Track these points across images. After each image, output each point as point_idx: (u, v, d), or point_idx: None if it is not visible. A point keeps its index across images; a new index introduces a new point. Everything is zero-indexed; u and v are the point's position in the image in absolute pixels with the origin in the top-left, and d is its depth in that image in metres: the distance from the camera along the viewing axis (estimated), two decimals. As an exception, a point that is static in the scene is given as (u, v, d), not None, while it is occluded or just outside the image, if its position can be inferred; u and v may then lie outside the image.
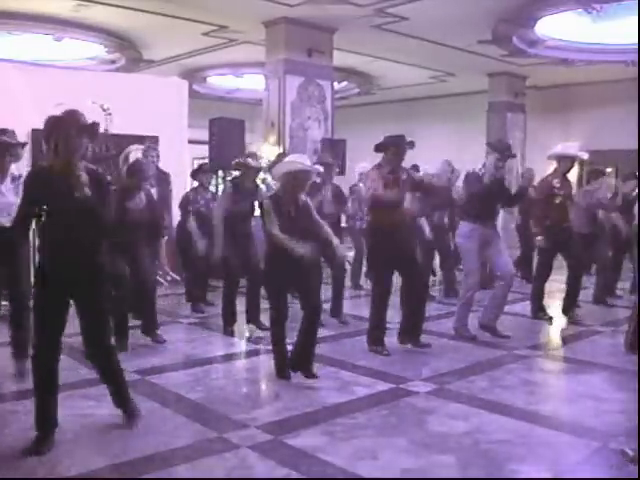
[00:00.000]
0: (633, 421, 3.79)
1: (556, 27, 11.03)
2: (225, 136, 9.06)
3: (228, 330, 6.11)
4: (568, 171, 6.63)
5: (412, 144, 5.29)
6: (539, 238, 6.52)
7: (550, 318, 6.78)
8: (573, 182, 7.31)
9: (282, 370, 4.63)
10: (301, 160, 4.66)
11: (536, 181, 9.52)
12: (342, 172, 10.63)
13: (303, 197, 4.65)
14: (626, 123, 12.79)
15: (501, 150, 5.97)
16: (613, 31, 11.00)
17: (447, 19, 10.17)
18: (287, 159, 4.80)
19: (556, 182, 6.47)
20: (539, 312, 6.86)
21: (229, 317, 6.17)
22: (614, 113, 14.06)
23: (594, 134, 13.63)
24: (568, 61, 12.59)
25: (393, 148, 5.28)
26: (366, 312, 7.17)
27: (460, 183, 8.28)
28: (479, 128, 14.67)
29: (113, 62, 13.21)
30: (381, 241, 5.28)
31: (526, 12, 9.93)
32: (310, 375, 4.58)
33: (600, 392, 4.55)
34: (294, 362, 4.62)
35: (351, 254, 8.92)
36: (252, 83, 15.34)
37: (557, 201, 6.47)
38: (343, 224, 8.34)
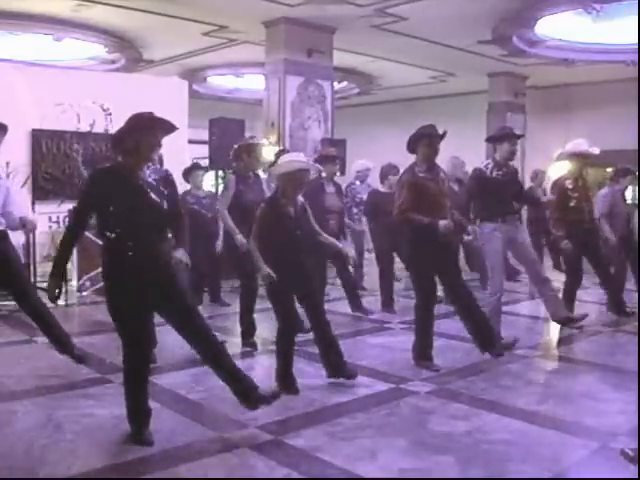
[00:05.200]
0: (633, 421, 3.79)
1: (556, 27, 11.02)
2: (225, 136, 9.07)
3: (248, 342, 5.61)
4: (582, 170, 6.43)
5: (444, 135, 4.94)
6: (565, 242, 6.23)
7: (580, 326, 6.38)
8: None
9: (292, 385, 4.42)
10: (297, 158, 4.53)
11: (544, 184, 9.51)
12: (342, 172, 10.64)
13: (300, 199, 4.54)
14: (626, 123, 12.78)
15: (508, 135, 5.71)
16: (613, 31, 10.99)
17: (447, 19, 10.16)
18: (283, 159, 4.60)
19: (569, 183, 6.32)
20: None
21: (249, 327, 5.66)
22: (614, 113, 14.05)
23: (594, 134, 13.59)
24: (568, 61, 12.59)
25: (425, 140, 4.89)
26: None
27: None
28: (479, 128, 14.65)
29: (113, 62, 13.21)
30: (426, 251, 4.91)
31: (526, 12, 9.93)
32: (353, 374, 4.57)
33: (600, 392, 4.55)
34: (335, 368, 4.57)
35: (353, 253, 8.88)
36: (252, 83, 15.33)
37: (572, 203, 6.28)
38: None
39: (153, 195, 3.47)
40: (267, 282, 4.28)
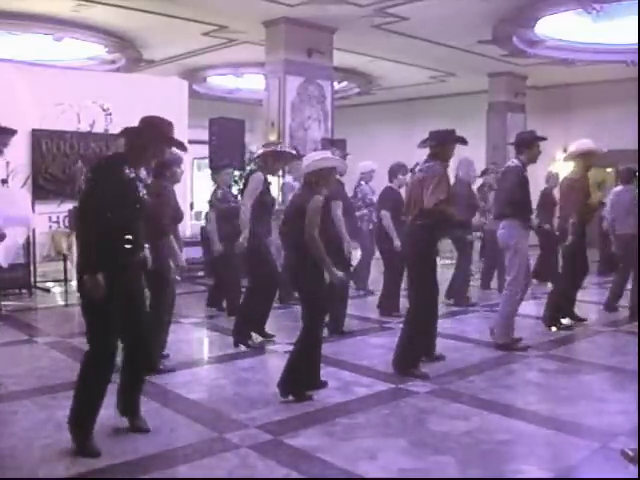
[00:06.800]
0: (633, 421, 3.79)
1: (556, 27, 11.02)
2: (225, 136, 9.07)
3: (268, 335, 5.78)
4: (589, 169, 6.42)
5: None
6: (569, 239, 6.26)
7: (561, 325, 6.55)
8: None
9: (304, 393, 4.31)
10: (330, 156, 4.48)
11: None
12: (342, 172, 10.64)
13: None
14: (626, 123, 12.78)
15: (537, 138, 5.76)
16: (613, 31, 11.00)
17: (447, 19, 10.16)
18: (315, 156, 4.45)
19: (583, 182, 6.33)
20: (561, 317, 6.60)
21: (261, 323, 5.77)
22: (614, 113, 14.05)
23: (594, 134, 13.61)
24: (568, 61, 12.59)
25: (455, 144, 5.07)
26: (368, 313, 7.20)
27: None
28: (479, 128, 14.66)
29: (113, 62, 13.21)
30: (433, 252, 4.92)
31: (526, 12, 9.93)
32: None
33: (600, 392, 4.56)
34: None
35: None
36: (252, 83, 15.34)
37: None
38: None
39: (143, 192, 3.53)
40: (340, 284, 4.27)
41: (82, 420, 3.40)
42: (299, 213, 4.23)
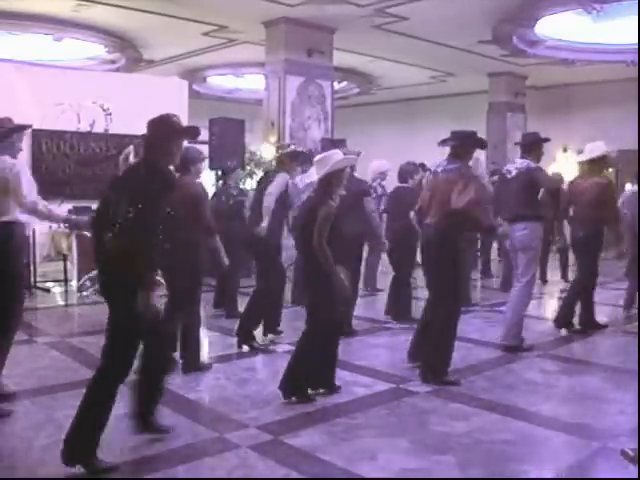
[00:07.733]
0: (633, 421, 3.79)
1: (556, 27, 11.04)
2: (225, 136, 9.07)
3: (277, 331, 5.90)
4: (602, 171, 6.38)
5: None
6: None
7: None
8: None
9: (306, 394, 4.25)
10: (341, 155, 4.32)
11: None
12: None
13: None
14: (626, 123, 12.79)
15: (542, 139, 5.79)
16: (613, 31, 11.01)
17: (447, 19, 10.17)
18: (328, 160, 4.23)
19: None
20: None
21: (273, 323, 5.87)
22: (614, 113, 14.06)
23: (594, 134, 13.62)
24: (568, 61, 12.60)
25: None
26: (369, 312, 7.19)
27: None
28: (479, 128, 14.57)
29: (113, 62, 13.23)
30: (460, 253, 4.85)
31: (526, 12, 9.95)
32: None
33: (600, 392, 4.55)
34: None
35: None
36: (252, 83, 15.35)
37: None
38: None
39: None
40: (347, 294, 4.30)
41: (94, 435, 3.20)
42: (311, 213, 4.17)
